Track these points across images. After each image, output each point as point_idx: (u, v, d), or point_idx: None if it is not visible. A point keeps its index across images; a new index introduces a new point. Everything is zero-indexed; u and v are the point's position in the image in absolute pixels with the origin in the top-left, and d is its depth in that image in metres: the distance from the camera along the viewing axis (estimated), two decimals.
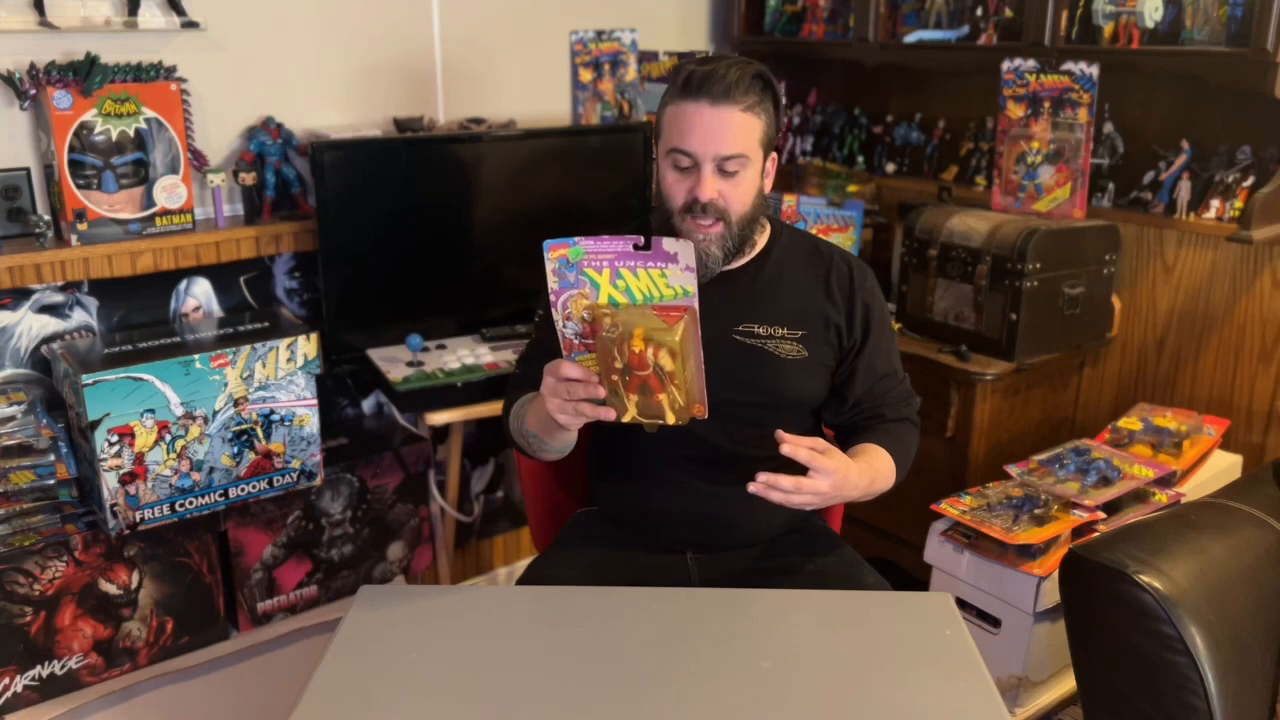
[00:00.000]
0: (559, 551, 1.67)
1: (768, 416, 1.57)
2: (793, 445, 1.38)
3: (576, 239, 1.26)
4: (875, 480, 1.54)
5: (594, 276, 1.26)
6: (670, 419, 1.31)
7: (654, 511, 1.62)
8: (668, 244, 1.23)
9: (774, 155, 1.56)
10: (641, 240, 1.24)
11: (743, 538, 1.62)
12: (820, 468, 1.39)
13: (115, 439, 1.86)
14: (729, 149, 1.46)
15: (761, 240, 1.62)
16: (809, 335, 1.58)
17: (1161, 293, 2.43)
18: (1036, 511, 2.00)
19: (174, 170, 2.09)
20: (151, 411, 1.89)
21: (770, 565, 1.60)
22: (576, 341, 1.31)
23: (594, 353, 1.30)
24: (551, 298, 1.29)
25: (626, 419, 1.32)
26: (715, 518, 1.59)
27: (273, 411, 2.04)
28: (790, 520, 1.65)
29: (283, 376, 2.03)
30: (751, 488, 1.37)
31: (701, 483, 1.58)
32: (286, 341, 2.02)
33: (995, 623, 2.01)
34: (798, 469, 1.56)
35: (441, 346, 2.34)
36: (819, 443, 1.42)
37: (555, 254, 1.27)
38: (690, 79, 1.46)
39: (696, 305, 1.25)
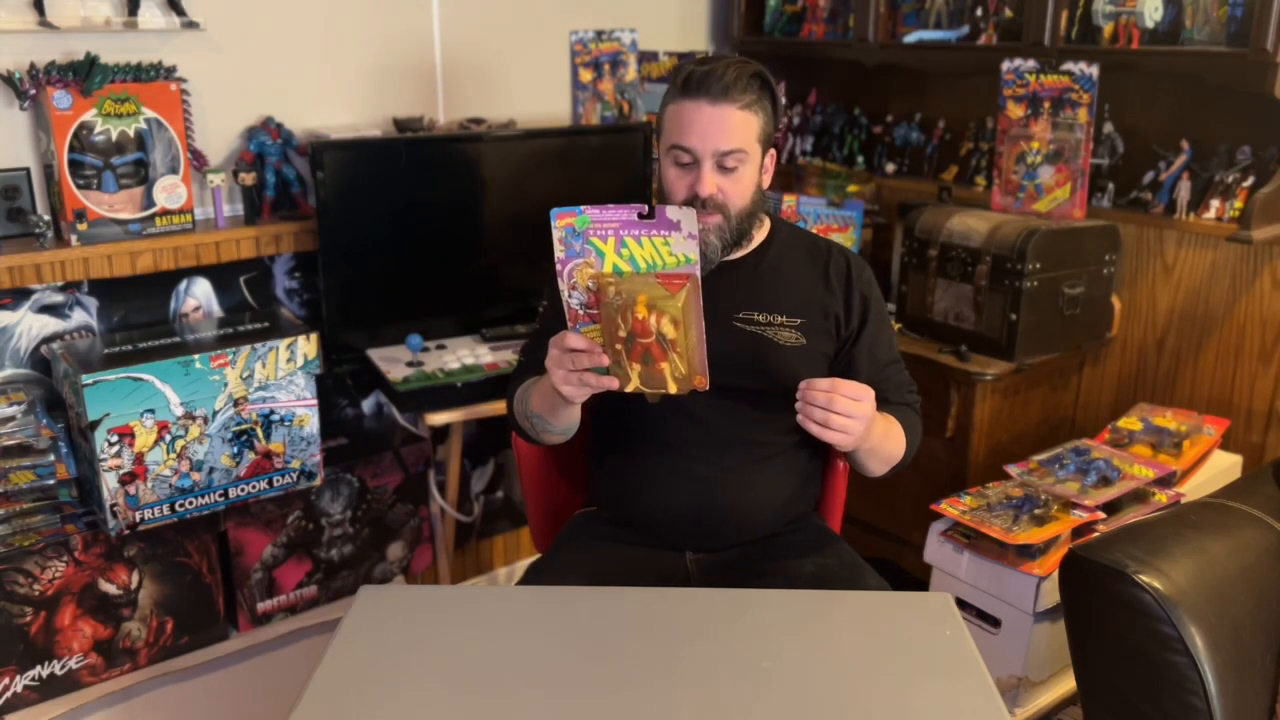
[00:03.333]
0: (559, 555, 1.67)
1: (766, 402, 1.59)
2: (805, 403, 1.41)
3: (583, 207, 1.29)
4: (888, 434, 1.57)
5: (599, 245, 1.30)
6: (672, 388, 1.33)
7: (653, 503, 1.62)
8: (671, 212, 1.27)
9: (772, 152, 1.60)
10: (646, 209, 1.28)
11: (741, 530, 1.62)
12: (847, 405, 1.40)
13: (115, 439, 1.86)
14: (728, 144, 1.49)
15: (760, 235, 1.65)
16: (807, 324, 1.61)
17: (1161, 293, 2.43)
18: (1036, 511, 2.00)
19: (174, 170, 2.09)
20: (151, 411, 1.89)
21: (770, 566, 1.60)
22: (581, 312, 1.34)
23: (598, 324, 1.32)
24: (558, 267, 1.32)
25: (629, 389, 1.34)
26: (713, 507, 1.60)
27: (273, 411, 2.04)
28: (789, 515, 1.66)
29: (283, 376, 2.03)
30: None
31: (700, 468, 1.59)
32: (286, 341, 2.02)
33: (995, 623, 2.01)
34: (802, 457, 1.56)
35: (441, 346, 2.34)
36: (838, 383, 1.42)
37: (562, 222, 1.30)
38: (690, 78, 1.50)
39: (699, 273, 1.28)
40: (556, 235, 1.30)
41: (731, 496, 1.60)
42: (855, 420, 1.41)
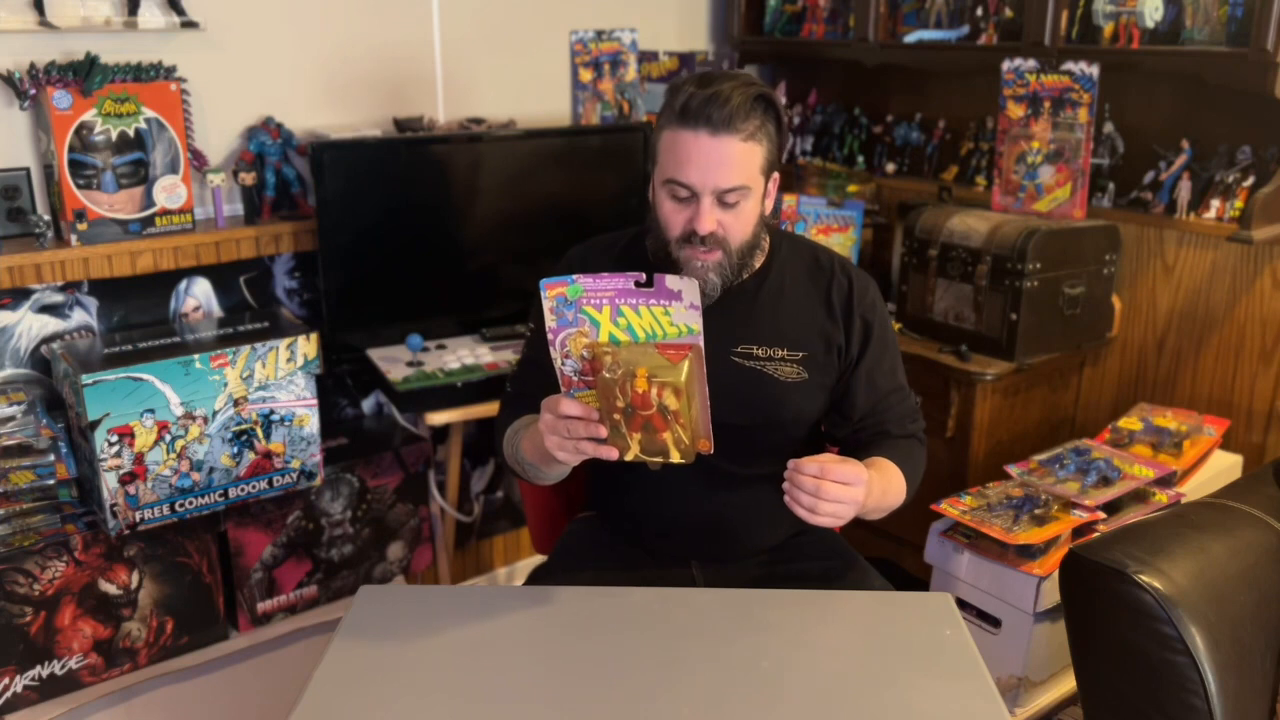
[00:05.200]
0: (561, 565, 1.65)
1: (765, 435, 1.54)
2: (792, 485, 1.36)
3: (575, 276, 1.21)
4: (888, 491, 1.49)
5: (594, 314, 1.22)
6: (675, 457, 1.26)
7: (655, 524, 1.61)
8: (671, 281, 1.18)
9: (776, 176, 1.50)
10: (643, 276, 1.20)
11: (746, 547, 1.61)
12: (833, 496, 1.35)
13: (115, 439, 1.86)
14: (729, 182, 1.40)
15: (760, 258, 1.56)
16: (809, 356, 1.54)
17: (1161, 293, 2.43)
18: (1036, 511, 2.00)
19: (174, 170, 2.09)
20: (151, 411, 1.89)
21: (775, 572, 1.59)
22: (575, 379, 1.26)
23: (594, 389, 1.25)
24: (549, 336, 1.24)
25: (629, 457, 1.27)
26: (717, 528, 1.58)
27: (273, 411, 2.03)
28: (793, 526, 1.64)
29: (282, 376, 2.03)
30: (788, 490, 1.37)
31: (702, 500, 1.56)
32: (286, 341, 2.02)
33: (995, 623, 2.01)
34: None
35: (441, 346, 2.34)
36: (826, 468, 1.36)
37: (553, 292, 1.21)
38: (689, 105, 1.38)
39: (702, 344, 1.20)
40: (547, 305, 1.21)
41: (732, 520, 1.57)
42: (844, 505, 1.35)
